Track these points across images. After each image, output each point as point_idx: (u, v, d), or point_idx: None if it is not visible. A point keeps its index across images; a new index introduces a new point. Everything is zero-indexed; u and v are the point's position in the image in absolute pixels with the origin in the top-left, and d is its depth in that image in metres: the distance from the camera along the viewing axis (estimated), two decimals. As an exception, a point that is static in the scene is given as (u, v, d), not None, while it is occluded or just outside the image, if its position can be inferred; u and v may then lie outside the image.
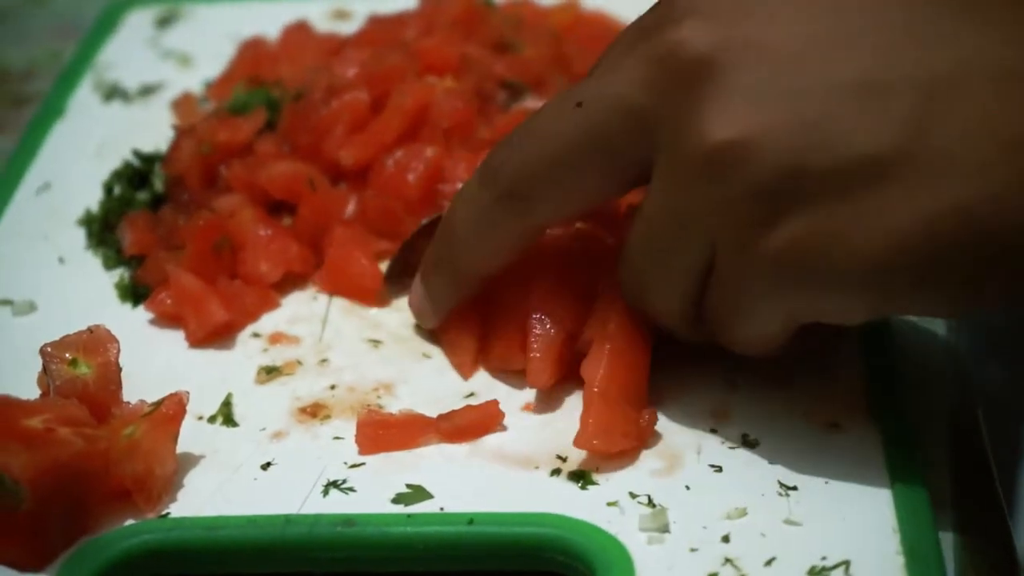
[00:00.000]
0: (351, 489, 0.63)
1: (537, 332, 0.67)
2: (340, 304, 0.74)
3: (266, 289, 0.74)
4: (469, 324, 0.70)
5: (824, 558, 0.59)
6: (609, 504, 0.62)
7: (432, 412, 0.67)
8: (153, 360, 0.71)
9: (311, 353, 0.71)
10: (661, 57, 0.61)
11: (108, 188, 0.82)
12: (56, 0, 1.07)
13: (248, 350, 0.72)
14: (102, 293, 0.75)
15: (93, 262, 0.78)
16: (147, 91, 0.91)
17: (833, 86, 0.58)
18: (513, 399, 0.67)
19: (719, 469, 0.64)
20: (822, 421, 0.65)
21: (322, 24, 0.94)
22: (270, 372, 0.70)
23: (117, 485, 0.62)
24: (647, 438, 0.65)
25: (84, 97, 0.90)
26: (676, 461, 0.64)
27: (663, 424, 0.65)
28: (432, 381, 0.69)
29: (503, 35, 0.86)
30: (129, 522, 0.62)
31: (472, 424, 0.66)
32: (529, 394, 0.68)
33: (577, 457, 0.64)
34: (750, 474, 0.63)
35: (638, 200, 0.66)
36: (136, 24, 0.98)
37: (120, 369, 0.65)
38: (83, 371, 0.65)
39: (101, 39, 0.96)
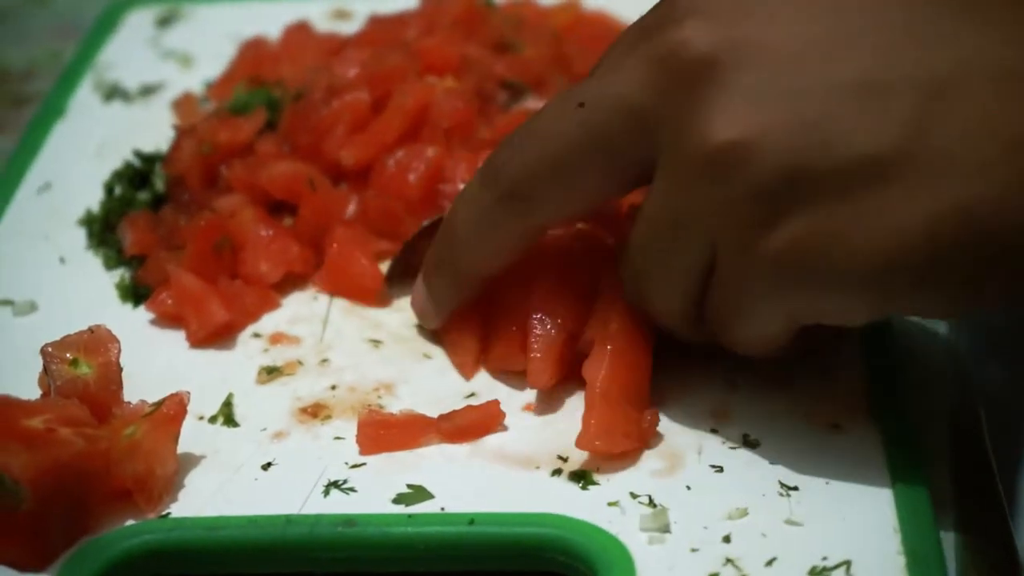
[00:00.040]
0: (352, 489, 0.63)
1: (537, 332, 0.67)
2: (341, 304, 0.74)
3: (267, 289, 0.74)
4: (471, 324, 0.70)
5: (825, 558, 0.59)
6: (610, 504, 0.62)
7: (433, 412, 0.67)
8: (154, 360, 0.71)
9: (312, 353, 0.71)
10: (662, 57, 0.61)
11: (109, 188, 0.82)
12: (57, 0, 1.07)
13: (249, 350, 0.72)
14: (103, 293, 0.75)
15: (94, 262, 0.78)
16: (148, 91, 0.91)
17: (833, 86, 0.58)
18: (514, 399, 0.67)
19: (720, 469, 0.64)
20: (823, 421, 0.65)
21: (323, 24, 0.94)
22: (271, 372, 0.70)
23: (118, 485, 0.62)
24: (649, 439, 0.65)
25: (85, 97, 0.90)
26: (677, 461, 0.64)
27: (664, 424, 0.65)
28: (433, 381, 0.69)
29: (504, 35, 0.86)
30: (130, 522, 0.62)
31: (473, 424, 0.66)
32: (530, 394, 0.68)
33: (578, 457, 0.64)
34: (751, 474, 0.63)
35: (639, 200, 0.66)
36: (136, 24, 0.98)
37: (121, 369, 0.65)
38: (84, 371, 0.65)
39: (101, 39, 0.96)
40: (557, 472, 0.64)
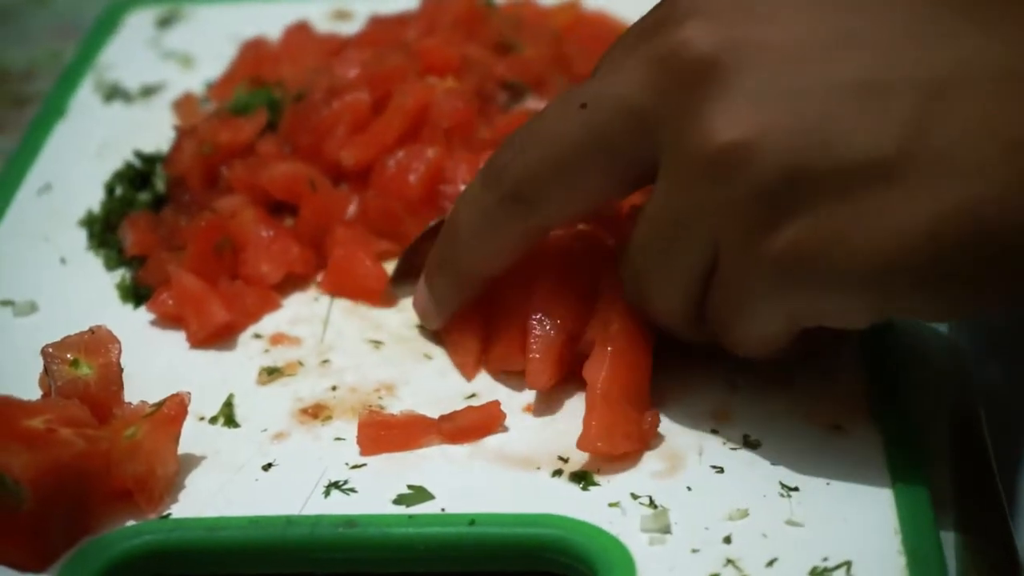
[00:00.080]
0: (352, 490, 0.63)
1: (537, 333, 0.67)
2: (341, 305, 0.74)
3: (267, 290, 0.74)
4: (472, 325, 0.70)
5: (826, 559, 0.59)
6: (611, 505, 0.62)
7: (433, 413, 0.67)
8: (154, 361, 0.71)
9: (312, 354, 0.71)
10: (663, 58, 0.61)
11: (109, 189, 0.82)
12: (57, 0, 1.07)
13: (249, 351, 0.72)
14: (103, 294, 0.75)
15: (94, 263, 0.78)
16: (148, 91, 0.91)
17: (834, 86, 0.58)
18: (514, 400, 0.67)
19: (720, 470, 0.64)
20: (823, 422, 0.65)
21: (323, 25, 0.94)
22: (271, 373, 0.70)
23: (118, 486, 0.62)
24: (650, 440, 0.65)
25: (85, 97, 0.90)
26: (678, 462, 0.64)
27: (664, 425, 0.65)
28: (433, 382, 0.69)
29: (504, 35, 0.86)
30: (130, 523, 0.62)
31: (473, 425, 0.66)
32: (530, 395, 0.68)
33: (578, 458, 0.64)
34: (752, 475, 0.63)
35: (640, 201, 0.66)
36: (137, 24, 0.98)
37: (121, 370, 0.65)
38: (84, 372, 0.65)
39: (102, 39, 0.96)
40: (558, 473, 0.64)
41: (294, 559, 0.62)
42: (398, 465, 0.65)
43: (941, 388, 0.69)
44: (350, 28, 0.93)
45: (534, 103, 0.81)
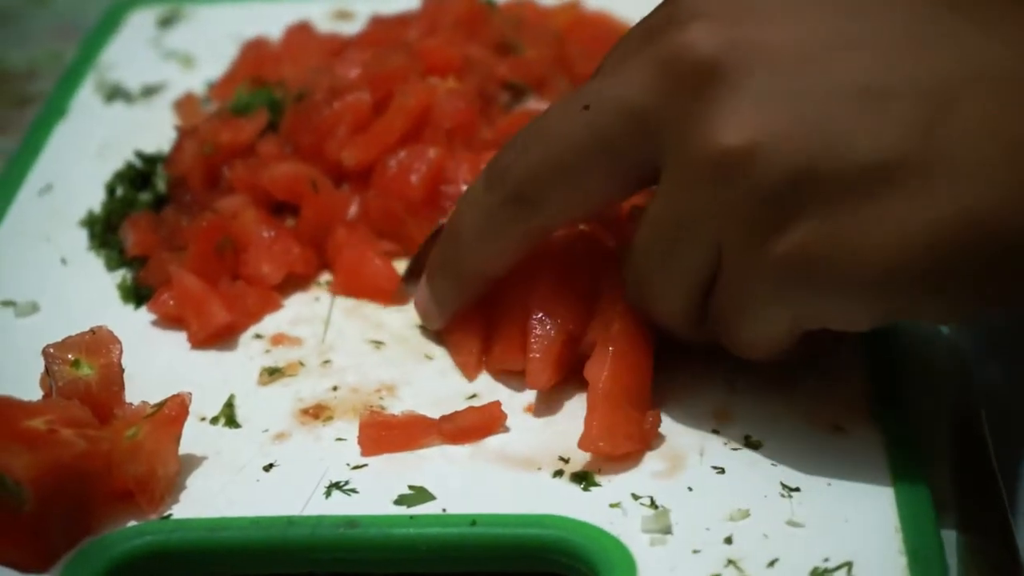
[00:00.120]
0: (353, 490, 0.64)
1: (537, 333, 0.67)
2: (342, 305, 0.74)
3: (268, 290, 0.74)
4: (474, 325, 0.70)
5: (827, 559, 0.59)
6: (612, 505, 0.62)
7: (434, 413, 0.67)
8: (155, 361, 0.71)
9: (313, 354, 0.71)
10: (667, 60, 0.60)
11: (110, 189, 0.82)
12: (58, 1, 1.07)
13: (250, 351, 0.72)
14: (104, 294, 0.76)
15: (95, 263, 0.78)
16: (149, 92, 0.91)
17: (837, 90, 0.58)
18: (515, 400, 0.67)
19: (721, 470, 0.64)
20: (824, 422, 0.65)
21: (324, 25, 0.94)
22: (272, 373, 0.70)
23: (120, 486, 0.62)
24: (651, 440, 0.65)
25: (86, 98, 0.91)
26: (678, 462, 0.64)
27: (665, 425, 0.65)
28: (434, 382, 0.69)
29: (505, 36, 0.86)
30: (131, 523, 0.62)
31: (474, 425, 0.66)
32: (531, 395, 0.68)
33: (579, 459, 0.64)
34: (752, 475, 0.63)
35: (641, 202, 0.66)
36: (138, 24, 0.98)
37: (122, 370, 0.65)
38: (85, 372, 0.65)
39: (103, 39, 0.96)
40: (559, 473, 0.64)
41: (295, 560, 0.62)
42: (399, 465, 0.65)
43: (941, 388, 0.69)
44: (351, 28, 0.93)
45: (535, 104, 0.81)
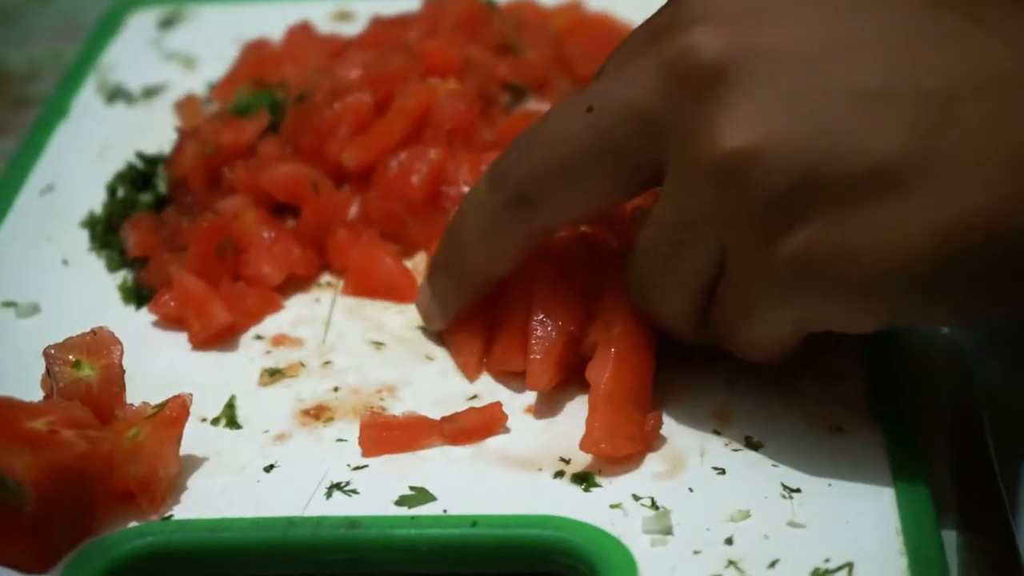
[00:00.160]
0: (354, 491, 0.64)
1: (538, 334, 0.67)
2: (343, 306, 0.74)
3: (269, 291, 0.74)
4: (475, 326, 0.70)
5: (827, 560, 0.59)
6: (612, 506, 0.62)
7: (435, 414, 0.67)
8: (156, 362, 0.71)
9: (314, 355, 0.71)
10: (671, 62, 0.60)
11: (111, 190, 0.82)
12: (59, 1, 1.07)
13: (251, 352, 0.72)
14: (105, 295, 0.76)
15: (96, 264, 0.78)
16: (150, 92, 0.91)
17: (842, 92, 0.58)
18: (516, 401, 0.68)
19: (722, 471, 0.64)
20: (825, 423, 0.65)
21: (325, 26, 0.94)
22: (273, 374, 0.70)
23: (121, 487, 0.62)
24: (652, 442, 0.65)
25: (87, 98, 0.91)
26: (679, 463, 0.64)
27: (666, 426, 0.65)
28: (435, 383, 0.69)
29: (506, 37, 0.86)
30: (132, 524, 0.62)
31: (475, 426, 0.66)
32: (532, 396, 0.68)
33: (580, 459, 0.64)
34: (753, 476, 0.63)
35: (644, 203, 0.66)
36: (139, 25, 0.98)
37: (123, 371, 0.66)
38: (86, 373, 0.65)
39: (104, 40, 0.96)
40: (559, 474, 0.64)
41: (296, 560, 0.62)
42: (400, 466, 0.65)
43: (941, 388, 0.69)
44: (352, 29, 0.93)
45: (536, 104, 0.81)
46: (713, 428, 0.66)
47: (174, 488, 0.64)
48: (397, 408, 0.68)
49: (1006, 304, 0.59)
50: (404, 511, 0.62)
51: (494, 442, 0.66)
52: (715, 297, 0.62)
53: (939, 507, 0.62)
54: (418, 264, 0.76)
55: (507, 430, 0.66)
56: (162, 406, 0.64)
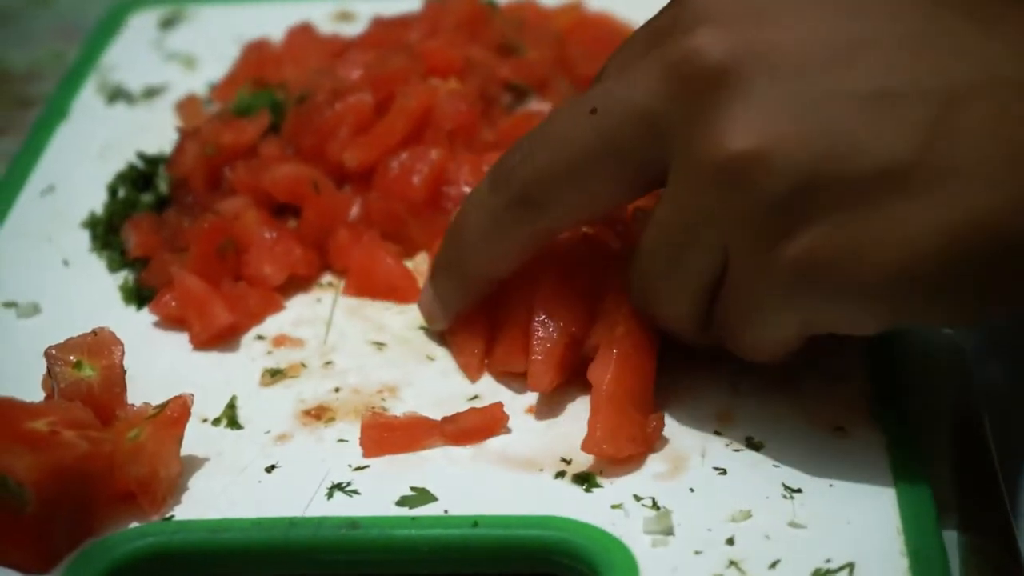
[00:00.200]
0: (355, 492, 0.64)
1: (539, 335, 0.67)
2: (344, 306, 0.74)
3: (270, 291, 0.74)
4: (477, 326, 0.70)
5: (828, 560, 0.59)
6: (613, 507, 0.62)
7: (436, 415, 0.67)
8: (157, 362, 0.71)
9: (315, 355, 0.71)
10: (675, 64, 0.60)
11: (112, 190, 0.82)
12: (59, 1, 1.07)
13: (252, 352, 0.72)
14: (106, 295, 0.76)
15: (97, 264, 0.78)
16: (151, 93, 0.91)
17: (846, 96, 0.58)
18: (517, 402, 0.68)
19: (723, 472, 0.64)
20: (826, 424, 0.65)
21: (326, 26, 0.94)
22: (274, 375, 0.70)
23: (122, 487, 0.62)
24: (654, 443, 0.65)
25: (88, 99, 0.91)
26: (680, 464, 0.64)
27: (667, 427, 0.65)
28: (436, 384, 0.69)
29: (507, 37, 0.86)
30: (133, 524, 0.62)
31: (476, 427, 0.66)
32: (533, 397, 0.68)
33: (581, 460, 0.64)
34: (754, 476, 0.63)
35: (646, 204, 0.66)
36: (140, 26, 0.97)
37: (124, 371, 0.66)
38: (87, 373, 0.65)
39: (105, 41, 0.96)
40: (560, 475, 0.64)
41: (297, 561, 0.62)
42: (401, 467, 0.65)
43: (942, 388, 0.69)
44: (353, 30, 0.93)
45: (537, 105, 0.81)
46: (714, 428, 0.66)
47: (175, 489, 0.64)
48: (398, 408, 0.68)
49: (1007, 304, 0.59)
50: (405, 511, 0.62)
51: (495, 442, 0.66)
52: (718, 299, 0.62)
53: (940, 507, 0.62)
54: (419, 265, 0.76)
55: (508, 431, 0.66)
56: (163, 406, 0.64)
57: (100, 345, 0.65)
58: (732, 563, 0.59)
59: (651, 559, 0.60)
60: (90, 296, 0.75)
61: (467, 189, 0.75)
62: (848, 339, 0.63)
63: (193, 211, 0.78)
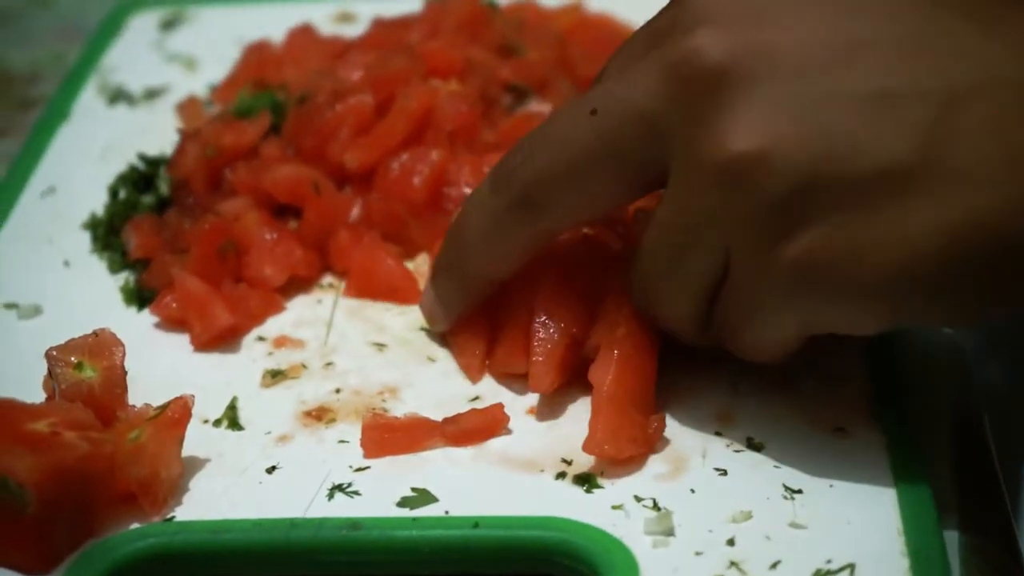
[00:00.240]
0: (356, 493, 0.64)
1: (540, 336, 0.67)
2: (345, 307, 0.74)
3: (271, 292, 0.75)
4: (478, 327, 0.70)
5: (829, 561, 0.59)
6: (614, 507, 0.62)
7: (437, 416, 0.67)
8: (158, 364, 0.71)
9: (316, 356, 0.71)
10: (675, 65, 0.60)
11: (113, 191, 0.82)
12: (60, 2, 1.07)
13: (253, 354, 0.72)
14: (107, 297, 0.76)
15: (98, 265, 0.78)
16: (152, 94, 0.91)
17: (846, 96, 0.58)
18: (518, 403, 0.68)
19: (724, 472, 0.64)
20: (827, 424, 0.65)
21: (327, 27, 0.94)
22: (275, 376, 0.70)
23: (123, 489, 0.62)
24: (655, 444, 0.65)
25: (89, 100, 0.91)
26: (681, 464, 0.64)
27: (668, 427, 0.65)
28: (437, 384, 0.69)
29: (507, 38, 0.86)
30: (134, 526, 0.62)
31: (477, 428, 0.66)
32: (534, 398, 0.68)
33: (582, 461, 0.64)
34: (755, 477, 0.63)
35: (646, 205, 0.66)
36: (140, 27, 0.98)
37: (125, 373, 0.66)
38: (88, 375, 0.65)
39: (105, 42, 0.96)
40: (561, 475, 0.64)
41: (298, 562, 0.62)
42: (402, 468, 0.65)
43: (942, 389, 0.69)
44: (354, 31, 0.93)
45: (538, 106, 0.81)
46: (715, 429, 0.66)
47: (176, 489, 0.64)
48: (399, 409, 0.68)
49: (1007, 304, 0.59)
50: (406, 512, 0.62)
51: (496, 443, 0.66)
52: (718, 299, 0.62)
53: (940, 507, 0.62)
54: (419, 266, 0.76)
55: (509, 431, 0.66)
56: (164, 407, 0.64)
57: (101, 346, 0.65)
58: (733, 564, 0.59)
59: (652, 560, 0.60)
60: (91, 297, 0.75)
61: (468, 190, 0.75)
62: (848, 339, 0.63)
63: (194, 212, 0.78)
